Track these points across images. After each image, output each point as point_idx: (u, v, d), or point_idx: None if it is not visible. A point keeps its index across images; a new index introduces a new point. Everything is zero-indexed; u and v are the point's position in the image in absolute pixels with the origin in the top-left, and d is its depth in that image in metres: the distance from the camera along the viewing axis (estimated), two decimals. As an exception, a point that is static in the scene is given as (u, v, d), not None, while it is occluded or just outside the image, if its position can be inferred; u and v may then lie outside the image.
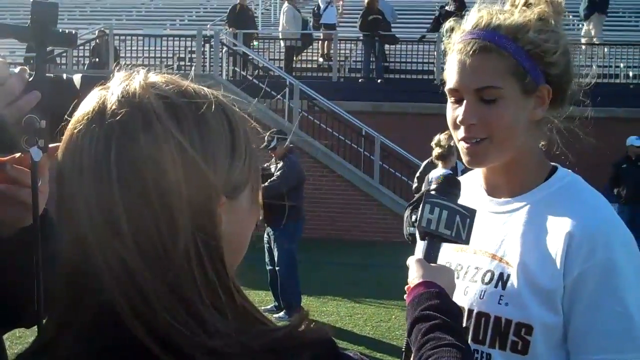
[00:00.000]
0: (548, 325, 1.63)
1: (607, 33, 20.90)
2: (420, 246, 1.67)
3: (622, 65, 18.96)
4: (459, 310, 1.55)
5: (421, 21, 22.16)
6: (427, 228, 1.62)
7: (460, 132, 1.69)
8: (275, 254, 8.84)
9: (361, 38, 19.47)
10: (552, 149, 1.82)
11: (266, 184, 8.62)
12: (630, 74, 18.88)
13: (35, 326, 1.16)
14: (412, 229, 8.17)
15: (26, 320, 1.37)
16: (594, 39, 19.49)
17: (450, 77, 1.70)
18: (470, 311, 1.72)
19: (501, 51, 1.65)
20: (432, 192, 1.65)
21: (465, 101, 1.67)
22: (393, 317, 8.99)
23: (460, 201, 1.68)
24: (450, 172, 8.13)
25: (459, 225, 1.61)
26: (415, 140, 15.76)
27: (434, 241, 1.63)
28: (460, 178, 1.93)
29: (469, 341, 1.70)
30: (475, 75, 1.65)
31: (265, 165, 9.00)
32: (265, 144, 8.76)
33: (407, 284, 1.60)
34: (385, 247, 13.78)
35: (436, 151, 8.58)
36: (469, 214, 1.63)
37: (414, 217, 8.32)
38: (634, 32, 21.86)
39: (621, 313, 1.59)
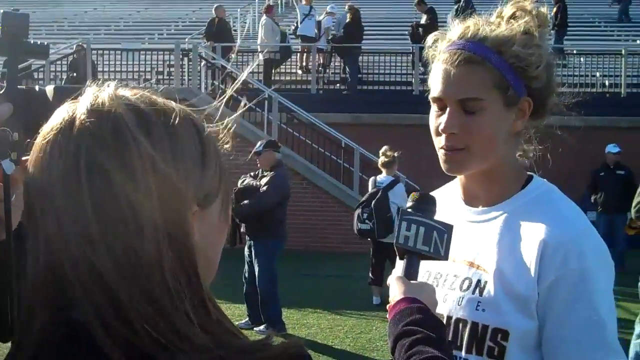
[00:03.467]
0: (524, 331, 1.65)
1: (583, 43, 21.08)
2: (400, 264, 1.68)
3: (598, 74, 19.10)
4: (442, 324, 1.56)
5: (398, 33, 22.24)
6: (405, 245, 1.62)
7: (441, 140, 1.72)
8: (256, 268, 8.75)
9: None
10: (530, 158, 1.85)
11: (257, 194, 8.58)
12: (607, 82, 19.03)
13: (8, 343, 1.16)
14: (362, 225, 9.96)
15: (2, 335, 1.36)
16: (574, 50, 19.67)
17: (435, 85, 1.73)
18: (449, 318, 1.74)
19: (486, 63, 1.68)
20: (408, 210, 1.65)
21: (447, 110, 1.70)
22: (374, 328, 8.99)
23: (438, 213, 1.69)
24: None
25: (437, 241, 1.62)
26: (395, 151, 15.82)
27: (413, 258, 1.63)
28: (439, 190, 1.95)
29: None
30: (459, 85, 1.68)
31: (246, 179, 8.92)
32: (256, 147, 8.68)
33: (388, 299, 1.61)
34: (365, 259, 13.76)
35: (382, 160, 10.13)
36: (446, 230, 1.63)
37: (365, 215, 9.89)
38: (609, 42, 22.05)
39: (594, 320, 1.61)
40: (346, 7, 19.61)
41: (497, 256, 1.71)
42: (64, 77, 18.67)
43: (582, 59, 19.62)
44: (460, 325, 1.72)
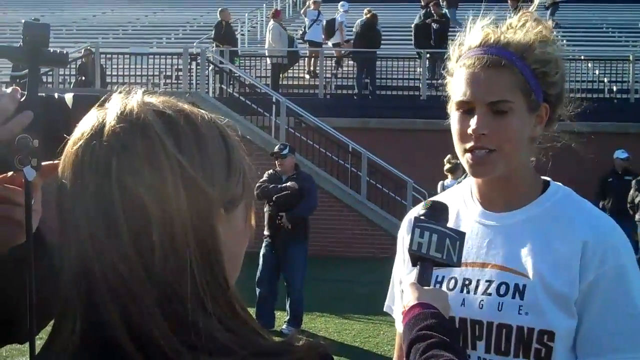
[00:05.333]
0: (568, 330, 1.70)
1: (591, 49, 21.05)
2: (413, 271, 1.70)
3: (605, 80, 19.08)
4: (455, 329, 1.61)
5: (406, 38, 22.24)
6: (418, 252, 1.64)
7: (469, 143, 1.74)
8: (292, 269, 8.95)
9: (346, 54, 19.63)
10: (542, 164, 1.88)
11: (305, 204, 8.98)
12: (614, 88, 19.01)
13: (26, 343, 1.17)
14: None
15: (18, 337, 1.38)
16: (582, 55, 19.63)
17: (461, 90, 1.75)
18: (490, 324, 1.76)
19: (512, 67, 1.72)
20: (421, 217, 1.68)
21: (477, 112, 1.72)
22: (381, 332, 8.99)
23: (450, 214, 1.72)
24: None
25: (449, 248, 1.64)
26: (402, 156, 15.83)
27: (426, 265, 1.66)
28: (445, 192, 1.97)
29: (492, 353, 1.75)
30: (488, 88, 1.72)
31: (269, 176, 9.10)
32: (277, 150, 8.92)
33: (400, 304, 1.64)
34: (372, 263, 13.77)
35: (447, 166, 11.22)
36: (458, 237, 1.66)
37: None
38: (617, 48, 22.03)
39: (632, 314, 1.68)
40: (365, 10, 19.68)
41: (532, 259, 1.74)
42: (73, 80, 18.74)
43: (589, 65, 19.60)
44: (504, 330, 1.74)
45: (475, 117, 1.72)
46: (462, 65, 1.76)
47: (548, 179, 1.85)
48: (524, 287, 1.73)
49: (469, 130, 1.73)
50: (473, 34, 1.78)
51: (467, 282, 1.81)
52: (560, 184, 1.85)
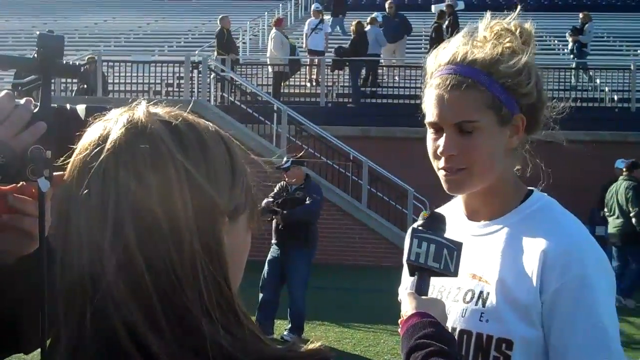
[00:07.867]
0: (527, 340, 1.69)
1: (592, 57, 21.08)
2: (410, 280, 1.72)
3: (607, 89, 19.11)
4: (453, 338, 1.61)
5: (412, 45, 22.27)
6: (416, 262, 1.67)
7: (441, 162, 1.77)
8: (294, 276, 8.94)
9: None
10: (529, 172, 1.88)
11: (303, 207, 8.96)
12: (615, 97, 19.03)
13: (34, 352, 1.18)
14: None
15: (25, 346, 1.38)
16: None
17: (430, 111, 1.77)
18: (453, 329, 1.77)
19: (477, 85, 1.72)
20: (420, 227, 1.70)
21: (444, 134, 1.75)
22: (382, 341, 8.98)
23: (447, 226, 1.73)
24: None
25: (447, 258, 1.67)
26: (403, 164, 15.81)
27: (424, 274, 1.68)
28: (443, 207, 1.99)
29: None
30: (453, 109, 1.73)
31: (277, 188, 9.12)
32: (281, 164, 8.96)
33: (397, 308, 1.65)
34: (373, 272, 13.77)
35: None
36: (456, 247, 1.68)
37: None
38: (618, 57, 22.07)
39: (597, 327, 1.65)
40: (353, 23, 19.68)
41: (499, 267, 1.75)
42: (74, 88, 18.76)
43: (591, 73, 19.62)
44: (465, 336, 1.76)
45: (443, 138, 1.75)
46: (430, 85, 1.78)
47: (532, 188, 1.86)
48: (487, 294, 1.75)
49: (438, 152, 1.76)
50: (444, 51, 1.79)
51: (442, 289, 1.83)
52: (544, 194, 1.85)
